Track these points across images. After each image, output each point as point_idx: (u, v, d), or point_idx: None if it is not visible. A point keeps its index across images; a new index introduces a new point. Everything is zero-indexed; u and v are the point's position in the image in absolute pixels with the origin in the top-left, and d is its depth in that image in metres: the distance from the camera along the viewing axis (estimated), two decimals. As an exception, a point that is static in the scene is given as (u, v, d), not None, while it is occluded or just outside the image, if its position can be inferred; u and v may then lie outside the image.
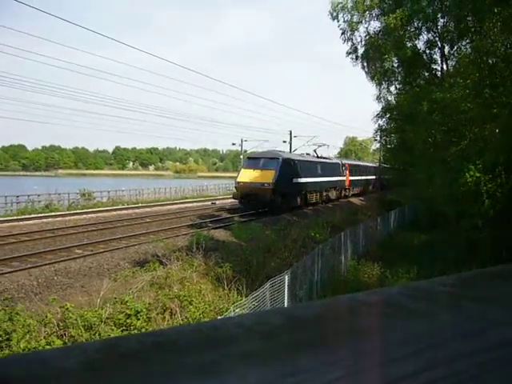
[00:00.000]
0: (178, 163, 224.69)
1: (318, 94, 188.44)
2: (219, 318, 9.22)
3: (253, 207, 29.39)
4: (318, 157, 40.83)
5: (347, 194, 47.34)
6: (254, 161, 30.87)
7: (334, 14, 28.56)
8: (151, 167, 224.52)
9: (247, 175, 29.74)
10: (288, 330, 0.64)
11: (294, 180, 31.29)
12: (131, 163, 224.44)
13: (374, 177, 55.34)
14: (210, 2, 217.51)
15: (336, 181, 41.83)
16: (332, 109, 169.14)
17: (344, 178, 44.34)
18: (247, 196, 29.16)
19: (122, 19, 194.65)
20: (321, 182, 37.27)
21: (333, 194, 41.75)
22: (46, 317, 10.46)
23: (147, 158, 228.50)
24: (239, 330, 0.63)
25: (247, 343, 0.59)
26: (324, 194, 39.34)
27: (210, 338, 0.60)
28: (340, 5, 28.30)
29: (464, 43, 25.02)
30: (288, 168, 30.12)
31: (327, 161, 41.74)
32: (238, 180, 30.00)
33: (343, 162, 47.65)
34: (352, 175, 47.69)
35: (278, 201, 29.00)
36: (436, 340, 0.63)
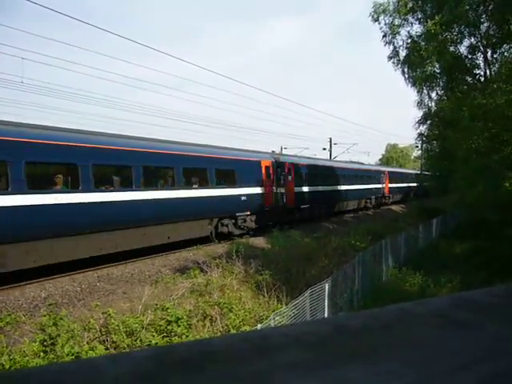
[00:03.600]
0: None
1: (357, 102, 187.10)
2: (266, 327, 9.20)
3: None
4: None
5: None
6: None
7: (375, 16, 27.88)
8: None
9: None
10: (335, 340, 0.64)
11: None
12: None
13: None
14: (251, 13, 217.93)
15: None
16: (372, 116, 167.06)
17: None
18: None
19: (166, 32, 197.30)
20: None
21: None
22: (89, 322, 10.53)
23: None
24: (287, 339, 0.63)
25: (295, 353, 0.59)
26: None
27: (258, 347, 0.61)
28: (381, 7, 27.73)
29: (507, 47, 24.45)
30: None
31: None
32: None
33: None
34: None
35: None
36: (485, 353, 0.61)
